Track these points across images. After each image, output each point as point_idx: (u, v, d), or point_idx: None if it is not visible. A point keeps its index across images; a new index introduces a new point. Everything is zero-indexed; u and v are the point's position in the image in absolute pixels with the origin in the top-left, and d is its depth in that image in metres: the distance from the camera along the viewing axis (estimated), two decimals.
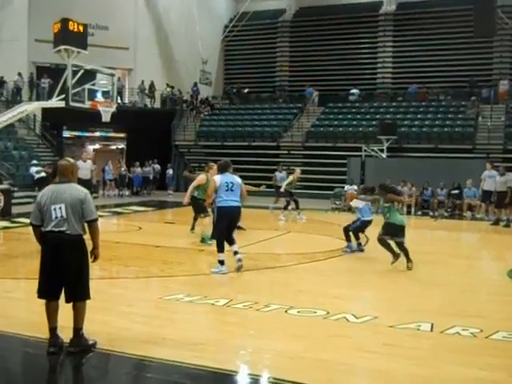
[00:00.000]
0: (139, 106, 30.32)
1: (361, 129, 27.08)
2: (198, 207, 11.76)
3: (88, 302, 5.33)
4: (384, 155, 24.07)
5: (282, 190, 17.04)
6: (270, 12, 37.40)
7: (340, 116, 29.22)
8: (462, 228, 17.52)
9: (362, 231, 11.34)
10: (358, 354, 5.37)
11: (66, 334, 5.26)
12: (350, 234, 11.11)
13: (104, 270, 8.74)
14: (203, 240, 11.35)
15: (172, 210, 20.40)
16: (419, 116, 27.60)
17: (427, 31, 32.49)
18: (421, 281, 8.88)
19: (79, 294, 5.26)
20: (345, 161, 23.45)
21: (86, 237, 5.36)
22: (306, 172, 26.08)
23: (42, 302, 5.27)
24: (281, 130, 28.65)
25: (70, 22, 15.20)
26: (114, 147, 31.71)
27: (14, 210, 16.08)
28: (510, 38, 30.75)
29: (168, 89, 31.00)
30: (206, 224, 11.45)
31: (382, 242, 9.83)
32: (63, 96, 15.58)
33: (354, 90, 31.00)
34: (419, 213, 19.85)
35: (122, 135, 30.69)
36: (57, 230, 5.18)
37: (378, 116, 27.83)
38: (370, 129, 26.27)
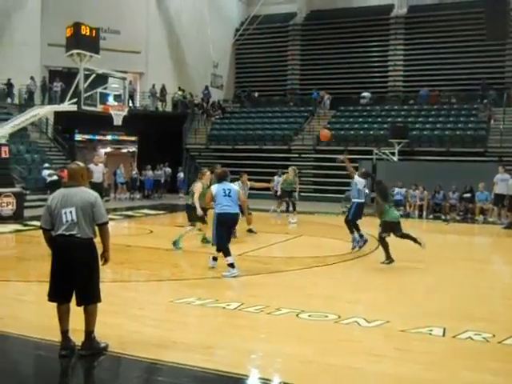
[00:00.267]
0: (150, 110, 30.43)
1: (372, 132, 27.00)
2: (192, 216, 11.45)
3: (99, 305, 5.34)
4: (395, 158, 23.99)
5: (278, 193, 17.03)
6: (281, 15, 37.42)
7: (351, 119, 29.16)
8: (474, 232, 17.41)
9: (360, 217, 11.38)
10: (368, 358, 5.35)
11: (78, 336, 5.28)
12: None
13: (115, 273, 8.77)
14: (175, 243, 11.26)
15: (183, 213, 20.22)
16: (431, 119, 27.48)
17: (439, 34, 32.34)
18: (433, 285, 8.84)
19: (90, 298, 5.28)
20: (356, 164, 23.37)
21: (97, 240, 5.39)
22: (317, 175, 26.13)
23: (54, 304, 5.29)
24: (292, 133, 28.64)
25: (83, 27, 15.26)
26: (125, 150, 31.84)
27: (26, 213, 16.16)
28: None
29: (179, 92, 31.10)
30: (188, 232, 11.47)
31: (382, 240, 10.23)
32: (75, 100, 15.65)
33: (365, 94, 30.96)
34: (431, 216, 19.75)
35: (133, 138, 30.82)
36: (67, 233, 5.20)
37: (389, 119, 27.75)
38: (381, 132, 26.19)
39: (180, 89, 31.31)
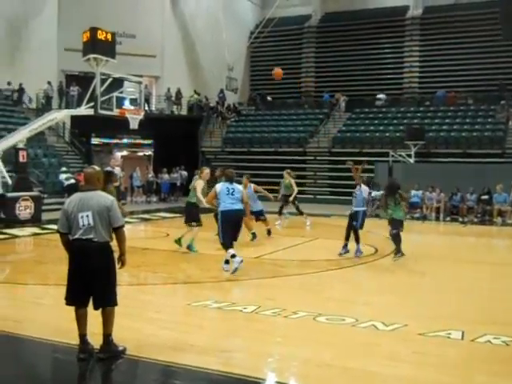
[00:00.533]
0: (166, 113, 30.57)
1: (388, 134, 26.88)
2: (193, 214, 11.33)
3: (116, 308, 5.36)
4: (412, 160, 23.84)
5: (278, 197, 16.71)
6: (296, 18, 37.39)
7: (366, 121, 29.05)
8: (492, 234, 17.27)
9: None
10: (386, 362, 5.32)
11: (96, 340, 5.31)
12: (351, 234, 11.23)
13: (132, 276, 8.81)
14: (189, 247, 11.18)
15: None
16: (447, 120, 27.28)
17: (454, 35, 32.16)
18: (450, 288, 8.78)
19: (106, 301, 5.30)
20: (372, 166, 23.28)
21: (113, 243, 5.41)
22: (333, 178, 26.04)
23: (72, 308, 5.32)
24: (307, 135, 28.60)
25: (99, 31, 15.37)
26: (141, 154, 31.97)
27: (44, 216, 16.30)
28: None
29: (195, 95, 31.21)
30: (196, 233, 11.31)
31: (395, 236, 10.80)
32: (92, 104, 15.77)
33: (381, 95, 30.83)
34: (448, 219, 19.61)
35: (149, 142, 30.92)
36: (84, 237, 5.23)
37: (405, 121, 27.60)
38: (397, 134, 26.05)
39: (196, 92, 31.43)
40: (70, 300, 5.31)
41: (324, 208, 21.29)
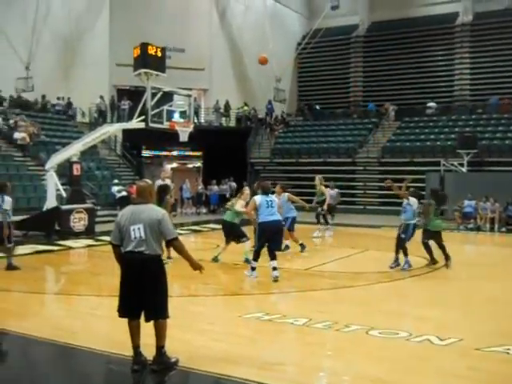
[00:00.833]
0: (215, 125, 30.87)
1: (439, 143, 26.39)
2: (239, 233, 11.30)
3: (168, 319, 5.39)
4: (464, 170, 23.33)
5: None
6: (343, 28, 37.23)
7: (417, 130, 28.60)
8: None
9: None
10: (442, 378, 5.19)
11: (149, 351, 5.36)
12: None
13: (183, 287, 8.89)
14: (247, 260, 10.88)
15: (248, 227, 20.48)
16: (501, 128, 26.60)
17: (506, 40, 31.35)
18: (507, 301, 8.50)
19: (158, 313, 5.34)
20: (423, 176, 22.89)
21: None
22: (383, 188, 25.66)
23: (125, 319, 5.38)
24: (356, 145, 28.37)
25: (149, 47, 15.64)
26: (190, 166, 32.36)
27: (97, 228, 16.64)
28: None
29: (246, 107, 31.45)
30: (248, 246, 11.24)
31: (426, 246, 11.14)
32: (143, 117, 16.04)
33: (431, 104, 30.31)
34: (503, 229, 19.06)
35: (198, 154, 31.29)
36: (136, 250, 5.30)
37: (456, 129, 27.02)
38: (449, 142, 25.54)
39: (246, 104, 31.69)
40: (122, 312, 5.37)
41: (374, 219, 21.02)
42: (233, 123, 31.64)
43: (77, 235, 15.71)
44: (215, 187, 26.09)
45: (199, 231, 18.71)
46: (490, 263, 12.65)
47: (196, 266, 5.55)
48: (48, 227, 15.72)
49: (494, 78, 31.56)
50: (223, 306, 8.34)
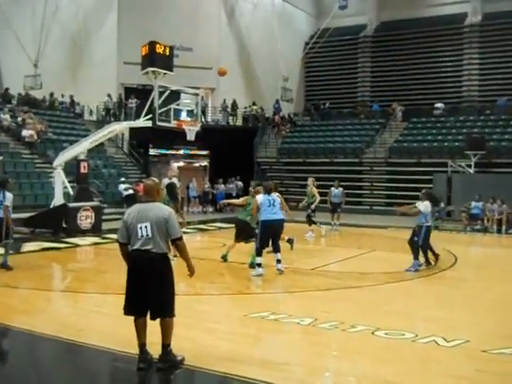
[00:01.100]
0: (222, 124, 30.89)
1: (446, 144, 26.29)
2: (251, 232, 11.01)
3: (174, 318, 5.39)
4: (472, 171, 23.25)
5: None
6: (351, 28, 37.18)
7: (424, 131, 28.51)
8: None
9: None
10: (449, 380, 5.16)
11: (155, 349, 5.36)
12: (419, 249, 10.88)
13: (189, 286, 8.87)
14: (252, 265, 10.64)
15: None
16: (509, 129, 26.46)
17: None
18: None
19: (164, 312, 5.34)
20: (430, 177, 22.83)
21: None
22: (390, 189, 25.66)
23: (131, 317, 5.39)
24: (363, 145, 28.31)
25: (157, 45, 15.65)
26: (197, 164, 32.40)
27: (104, 226, 16.67)
28: None
29: (254, 107, 31.48)
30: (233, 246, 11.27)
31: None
32: (150, 116, 16.05)
33: (439, 104, 30.20)
34: (510, 231, 18.95)
35: (205, 153, 31.34)
36: (143, 248, 5.30)
37: (464, 130, 26.93)
38: (457, 143, 25.44)
39: (254, 104, 31.71)
40: (128, 310, 5.37)
41: (381, 219, 20.97)
42: (240, 122, 31.65)
43: (84, 233, 15.74)
44: (222, 186, 26.10)
45: (206, 230, 18.72)
46: (497, 265, 12.60)
47: (191, 270, 5.55)
48: (55, 225, 15.76)
49: (503, 78, 31.43)
50: (229, 305, 8.34)
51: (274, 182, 13.75)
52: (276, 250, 10.17)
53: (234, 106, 31.25)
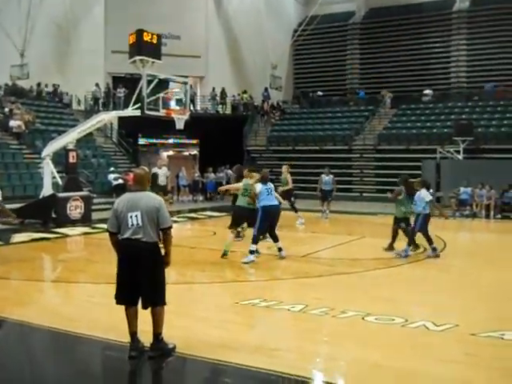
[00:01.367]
0: (211, 113, 30.81)
1: (435, 130, 26.40)
2: (244, 218, 10.88)
3: (166, 306, 5.42)
4: (460, 157, 23.37)
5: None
6: (340, 15, 37.10)
7: (413, 117, 28.60)
8: None
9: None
10: (438, 363, 5.22)
11: (146, 337, 5.38)
12: (414, 235, 10.99)
13: (180, 274, 8.90)
14: (225, 254, 10.59)
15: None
16: (497, 115, 26.60)
17: (503, 27, 31.31)
18: (502, 287, 8.56)
19: (155, 300, 5.35)
20: (419, 163, 22.92)
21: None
22: (379, 175, 25.75)
23: (123, 306, 5.40)
24: (352, 133, 28.36)
25: (145, 33, 15.51)
26: (187, 153, 32.30)
27: (94, 216, 16.64)
28: None
29: (245, 95, 31.42)
30: (231, 238, 10.90)
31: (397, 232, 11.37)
32: (139, 105, 15.96)
33: (428, 91, 30.27)
34: (499, 216, 19.11)
35: (194, 141, 31.22)
36: (133, 237, 5.31)
37: (452, 116, 27.01)
38: (445, 130, 25.55)
39: (245, 92, 31.64)
40: (119, 299, 5.38)
41: (370, 206, 21.07)
42: (229, 111, 31.57)
43: (73, 223, 15.68)
44: (211, 175, 26.07)
45: (196, 218, 18.71)
46: (486, 250, 12.71)
47: (168, 261, 5.50)
48: (44, 215, 15.69)
49: (491, 64, 31.56)
50: (220, 292, 8.37)
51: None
52: (275, 239, 10.57)
53: (223, 94, 31.16)
